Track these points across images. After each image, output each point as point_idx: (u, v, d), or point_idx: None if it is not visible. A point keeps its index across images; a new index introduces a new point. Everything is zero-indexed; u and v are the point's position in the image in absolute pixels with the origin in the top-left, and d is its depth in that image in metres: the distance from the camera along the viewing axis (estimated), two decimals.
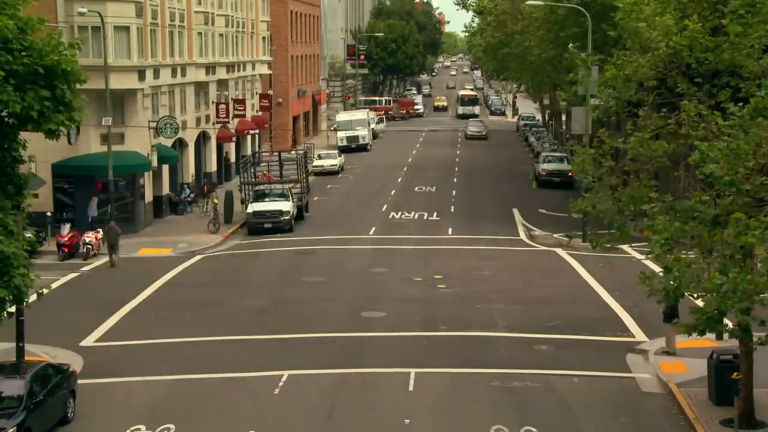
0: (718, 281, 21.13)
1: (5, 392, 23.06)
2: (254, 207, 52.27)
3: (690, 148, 24.49)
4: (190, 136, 60.45)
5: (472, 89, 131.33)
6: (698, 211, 23.14)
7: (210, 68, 63.70)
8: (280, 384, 27.41)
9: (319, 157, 78.37)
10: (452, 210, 58.60)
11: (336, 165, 76.91)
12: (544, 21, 61.17)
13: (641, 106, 27.97)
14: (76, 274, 42.01)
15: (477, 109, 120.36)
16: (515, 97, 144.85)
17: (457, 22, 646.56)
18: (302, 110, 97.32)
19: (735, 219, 21.40)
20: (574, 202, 28.38)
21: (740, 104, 23.50)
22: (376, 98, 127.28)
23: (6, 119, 23.31)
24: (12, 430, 21.93)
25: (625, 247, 43.73)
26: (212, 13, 64.43)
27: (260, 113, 78.63)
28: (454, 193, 64.52)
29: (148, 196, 53.22)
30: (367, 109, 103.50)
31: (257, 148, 76.13)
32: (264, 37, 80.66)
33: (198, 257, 46.25)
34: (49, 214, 47.36)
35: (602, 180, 26.87)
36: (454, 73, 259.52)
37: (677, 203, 24.01)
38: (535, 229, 52.90)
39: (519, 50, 72.98)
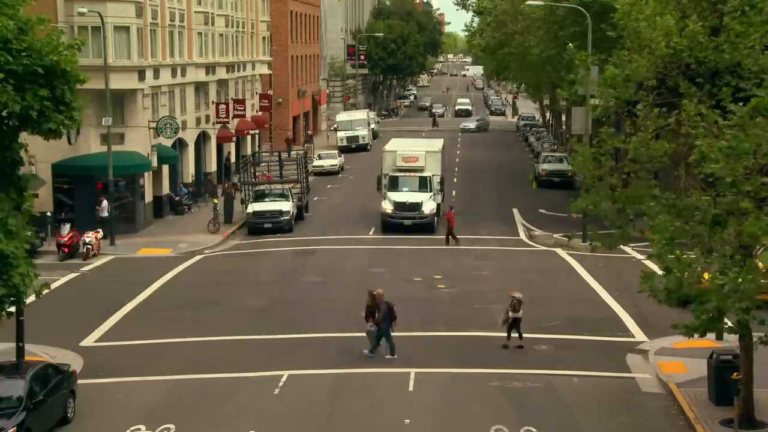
0: (719, 281, 21.14)
1: (5, 392, 23.06)
2: (254, 207, 52.26)
3: (690, 148, 24.50)
4: (190, 136, 60.44)
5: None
6: (698, 210, 23.16)
7: (210, 68, 63.68)
8: (280, 384, 27.40)
9: (319, 157, 78.39)
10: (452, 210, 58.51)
11: (336, 165, 76.92)
12: (543, 21, 61.16)
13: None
14: (76, 274, 42.00)
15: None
16: (515, 98, 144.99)
17: (458, 22, 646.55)
18: (302, 110, 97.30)
19: (742, 209, 21.44)
20: (574, 201, 28.38)
21: (741, 103, 23.50)
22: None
23: (6, 120, 23.31)
24: (12, 430, 21.93)
25: (625, 247, 43.75)
26: (212, 13, 64.41)
27: (260, 113, 78.62)
28: (454, 193, 64.47)
29: (148, 196, 53.21)
30: (367, 110, 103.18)
31: (257, 148, 76.13)
32: (264, 37, 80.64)
33: (198, 257, 46.23)
34: (49, 214, 47.33)
35: (603, 179, 26.87)
36: (455, 72, 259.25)
37: (678, 202, 24.02)
38: (535, 229, 52.89)
39: (519, 50, 72.98)
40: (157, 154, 52.56)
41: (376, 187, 53.64)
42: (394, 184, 52.09)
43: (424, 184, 52.03)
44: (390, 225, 51.00)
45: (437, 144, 57.69)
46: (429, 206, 51.22)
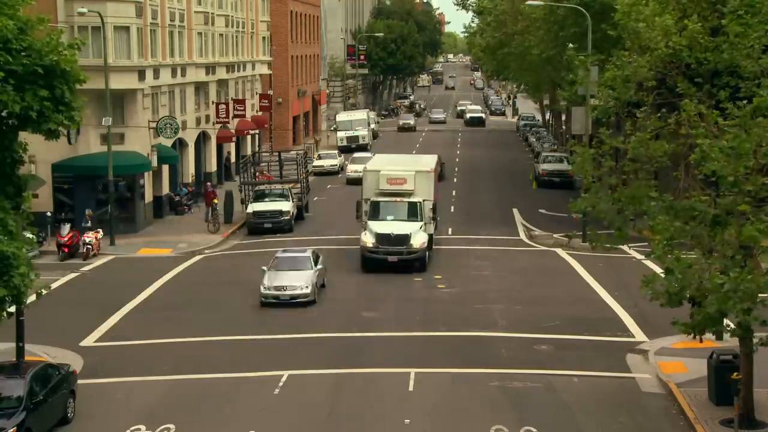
0: (719, 281, 21.14)
1: (5, 392, 23.07)
2: (254, 207, 52.25)
3: (690, 148, 24.53)
4: (190, 136, 60.44)
5: None
6: (698, 210, 23.17)
7: (210, 68, 63.68)
8: (280, 384, 27.40)
9: (319, 157, 78.42)
10: (452, 210, 58.56)
11: (336, 165, 76.96)
12: (543, 21, 61.18)
13: (641, 106, 28.01)
14: (76, 274, 42.00)
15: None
16: (515, 97, 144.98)
17: (457, 22, 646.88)
18: (302, 110, 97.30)
19: (740, 211, 21.44)
20: (574, 202, 28.40)
21: (744, 101, 23.51)
22: None
23: (6, 120, 23.32)
24: (12, 430, 21.94)
25: (624, 247, 43.73)
26: (212, 13, 64.41)
27: (260, 113, 78.62)
28: (454, 193, 64.47)
29: (148, 196, 53.21)
30: (367, 110, 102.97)
31: (257, 148, 76.11)
32: (264, 37, 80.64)
33: (198, 257, 46.23)
34: (49, 214, 47.33)
35: (602, 180, 26.89)
36: (454, 74, 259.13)
37: (678, 203, 24.04)
38: (535, 229, 52.89)
39: (519, 50, 72.99)
40: (157, 154, 52.56)
41: (356, 215, 43.85)
42: (375, 212, 42.39)
43: (413, 212, 42.40)
44: (371, 262, 41.21)
45: (429, 162, 46.87)
46: (419, 239, 41.31)
